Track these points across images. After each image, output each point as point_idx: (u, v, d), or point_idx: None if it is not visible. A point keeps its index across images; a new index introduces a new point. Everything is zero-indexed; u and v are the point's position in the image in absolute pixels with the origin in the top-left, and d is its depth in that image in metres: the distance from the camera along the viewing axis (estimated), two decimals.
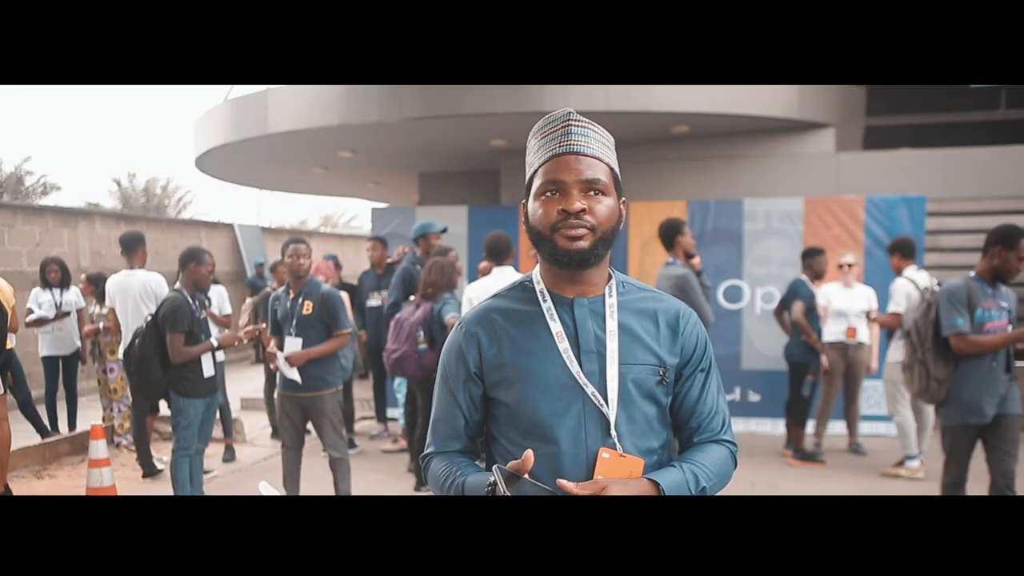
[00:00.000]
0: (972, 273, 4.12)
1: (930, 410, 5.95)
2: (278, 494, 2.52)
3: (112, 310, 6.11)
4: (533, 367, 1.55)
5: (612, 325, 1.57)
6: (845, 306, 6.43)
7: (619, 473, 1.49)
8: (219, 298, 6.82)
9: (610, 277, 1.64)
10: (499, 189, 10.65)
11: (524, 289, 1.65)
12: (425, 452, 1.71)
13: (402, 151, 10.37)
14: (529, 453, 1.39)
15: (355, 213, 34.07)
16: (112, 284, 6.08)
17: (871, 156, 9.71)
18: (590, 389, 1.52)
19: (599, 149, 1.54)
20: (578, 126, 1.54)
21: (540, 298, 1.60)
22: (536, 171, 1.56)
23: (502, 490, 1.35)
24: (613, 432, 1.52)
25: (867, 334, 6.54)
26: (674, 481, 1.50)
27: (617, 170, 1.59)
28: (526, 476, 1.38)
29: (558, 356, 1.54)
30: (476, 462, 1.68)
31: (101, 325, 6.81)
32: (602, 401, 1.52)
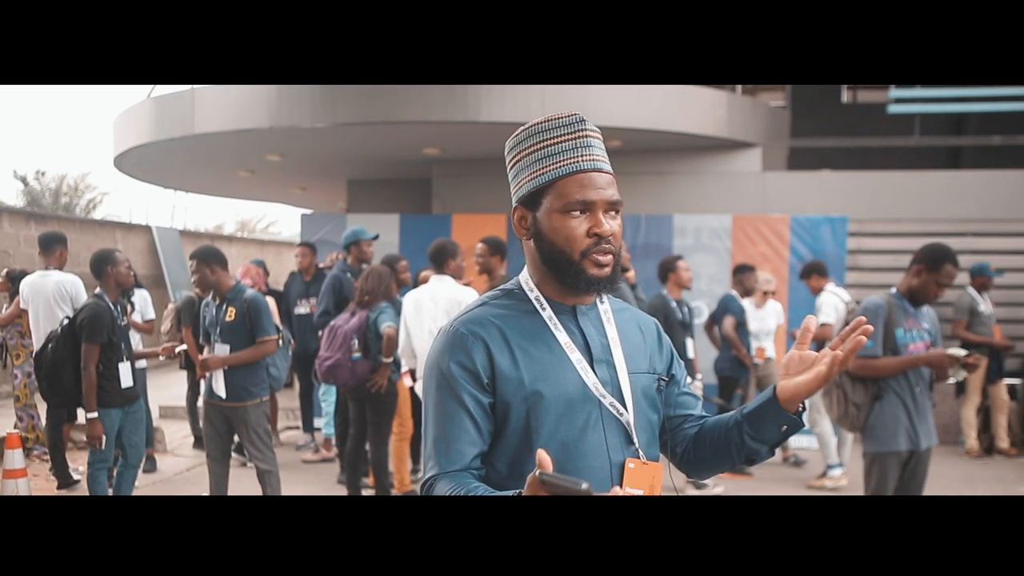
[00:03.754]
0: (893, 290, 3.83)
1: None
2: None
3: (25, 311, 5.81)
4: (550, 381, 1.45)
5: (612, 331, 1.54)
6: (756, 327, 6.65)
7: (643, 482, 1.48)
8: (142, 302, 6.55)
9: None
10: (430, 198, 10.57)
11: (518, 296, 1.54)
12: (426, 477, 1.47)
13: (332, 156, 10.19)
14: (543, 455, 1.18)
15: (274, 218, 33.41)
16: (26, 285, 5.78)
17: (795, 176, 9.99)
18: (608, 400, 1.48)
19: (609, 163, 1.51)
20: (595, 137, 1.49)
21: (538, 306, 1.52)
22: (550, 182, 1.46)
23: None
24: (636, 440, 1.50)
25: (773, 350, 6.75)
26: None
27: None
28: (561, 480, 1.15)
29: (571, 368, 1.47)
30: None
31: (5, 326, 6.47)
32: (621, 409, 1.49)
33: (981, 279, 7.35)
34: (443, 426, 1.46)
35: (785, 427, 1.49)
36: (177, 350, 5.06)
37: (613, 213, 1.48)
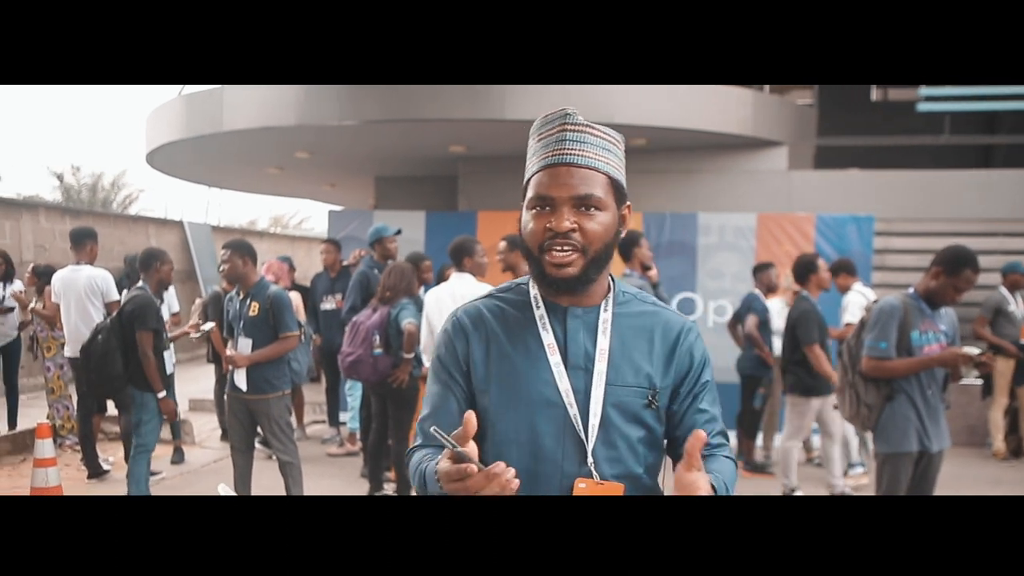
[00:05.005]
0: (911, 291, 3.74)
1: None
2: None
3: (56, 305, 5.96)
4: (518, 379, 1.46)
5: (604, 343, 1.47)
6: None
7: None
8: (169, 297, 6.69)
9: (610, 287, 1.54)
10: (456, 195, 10.64)
11: (519, 292, 1.55)
12: (412, 446, 1.58)
13: (360, 154, 10.30)
14: (471, 417, 1.25)
15: (306, 215, 33.64)
16: (57, 279, 5.93)
17: (822, 175, 9.94)
18: (573, 411, 1.44)
19: (597, 157, 1.44)
20: (574, 131, 1.44)
21: (533, 304, 1.51)
22: (528, 179, 1.47)
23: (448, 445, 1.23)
24: (590, 458, 1.44)
25: None
26: (720, 490, 1.42)
27: (621, 176, 1.49)
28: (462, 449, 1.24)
29: (547, 370, 1.46)
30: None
31: (32, 319, 6.64)
32: (580, 424, 1.44)
33: (1013, 277, 7.21)
34: (430, 406, 1.55)
35: None
36: (202, 327, 5.34)
37: (587, 209, 1.42)
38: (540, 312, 1.50)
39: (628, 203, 1.52)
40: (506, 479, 1.22)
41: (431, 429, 1.29)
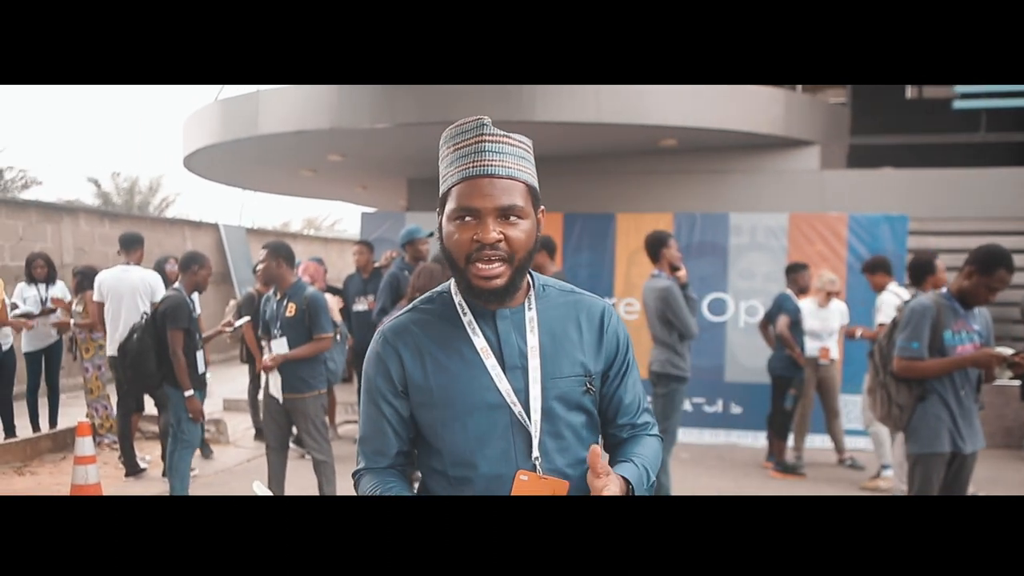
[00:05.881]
0: (944, 290, 3.74)
1: None
2: (272, 495, 2.54)
3: (99, 304, 6.12)
4: (458, 388, 1.49)
5: (533, 340, 1.51)
6: (819, 327, 6.56)
7: (537, 494, 1.46)
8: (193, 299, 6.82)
9: (530, 286, 1.57)
10: None
11: (442, 302, 1.58)
12: (356, 469, 1.63)
13: (392, 156, 10.38)
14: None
15: (339, 216, 33.95)
16: (105, 279, 6.09)
17: (854, 174, 9.83)
18: (517, 408, 1.49)
19: (515, 166, 1.47)
20: (492, 141, 1.46)
21: (460, 311, 1.54)
22: (447, 189, 1.48)
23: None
24: (536, 452, 1.48)
25: (837, 351, 6.66)
26: (636, 476, 1.49)
27: (534, 183, 1.51)
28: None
29: (484, 373, 1.49)
30: (408, 473, 1.62)
31: (72, 322, 6.79)
32: (527, 420, 1.49)
33: None
34: (366, 427, 1.61)
35: None
36: (236, 324, 5.48)
37: (510, 218, 1.44)
38: (468, 318, 1.53)
39: (542, 207, 1.55)
40: None
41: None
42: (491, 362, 1.50)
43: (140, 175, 31.11)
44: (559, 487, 1.48)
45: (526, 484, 1.47)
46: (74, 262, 9.94)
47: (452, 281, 1.58)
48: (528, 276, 1.57)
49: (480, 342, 1.51)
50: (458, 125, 1.49)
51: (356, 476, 1.62)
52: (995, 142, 10.61)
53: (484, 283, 1.45)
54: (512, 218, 1.45)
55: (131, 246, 6.29)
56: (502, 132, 1.48)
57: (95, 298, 6.19)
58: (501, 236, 1.43)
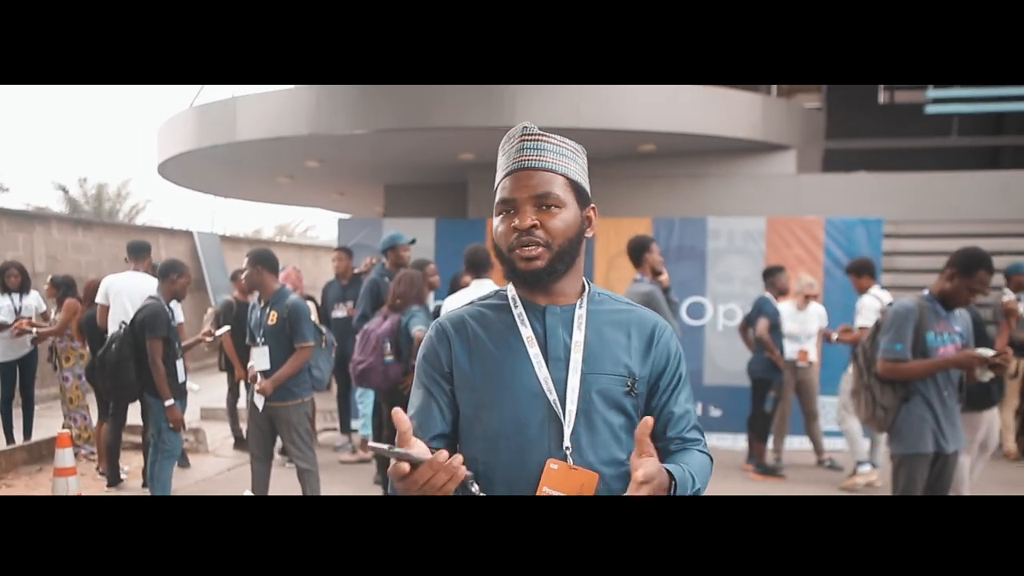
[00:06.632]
0: (926, 292, 3.79)
1: None
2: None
3: (103, 307, 6.02)
4: (499, 373, 1.55)
5: (579, 336, 1.57)
6: (797, 329, 6.64)
7: (568, 486, 1.48)
8: (174, 307, 6.74)
9: (584, 289, 1.63)
10: (466, 202, 10.68)
11: (499, 297, 1.66)
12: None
13: (370, 162, 10.35)
14: (398, 414, 1.34)
15: (312, 223, 33.83)
16: (113, 282, 6.00)
17: (830, 178, 9.94)
18: (552, 396, 1.53)
19: (555, 161, 1.55)
20: (532, 140, 1.55)
21: (512, 304, 1.62)
22: (496, 189, 1.60)
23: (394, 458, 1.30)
24: (567, 442, 1.51)
25: (815, 354, 6.73)
26: (680, 477, 1.47)
27: (580, 179, 1.59)
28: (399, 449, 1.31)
29: (527, 361, 1.55)
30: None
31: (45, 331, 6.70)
32: (560, 410, 1.52)
33: (1018, 279, 7.22)
34: (413, 406, 1.64)
35: None
36: (217, 333, 5.47)
37: (548, 207, 1.53)
38: (519, 311, 1.61)
39: (593, 205, 1.62)
40: (451, 466, 1.32)
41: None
42: (534, 351, 1.55)
43: (108, 181, 30.70)
44: (588, 479, 1.49)
45: (555, 473, 1.49)
46: (46, 271, 9.80)
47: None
48: (584, 281, 1.64)
49: (527, 332, 1.57)
50: (507, 133, 1.60)
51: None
52: (967, 146, 10.79)
53: (525, 264, 1.52)
54: (550, 207, 1.53)
55: (139, 254, 6.25)
56: (544, 132, 1.57)
57: (99, 300, 6.10)
58: (536, 222, 1.51)
